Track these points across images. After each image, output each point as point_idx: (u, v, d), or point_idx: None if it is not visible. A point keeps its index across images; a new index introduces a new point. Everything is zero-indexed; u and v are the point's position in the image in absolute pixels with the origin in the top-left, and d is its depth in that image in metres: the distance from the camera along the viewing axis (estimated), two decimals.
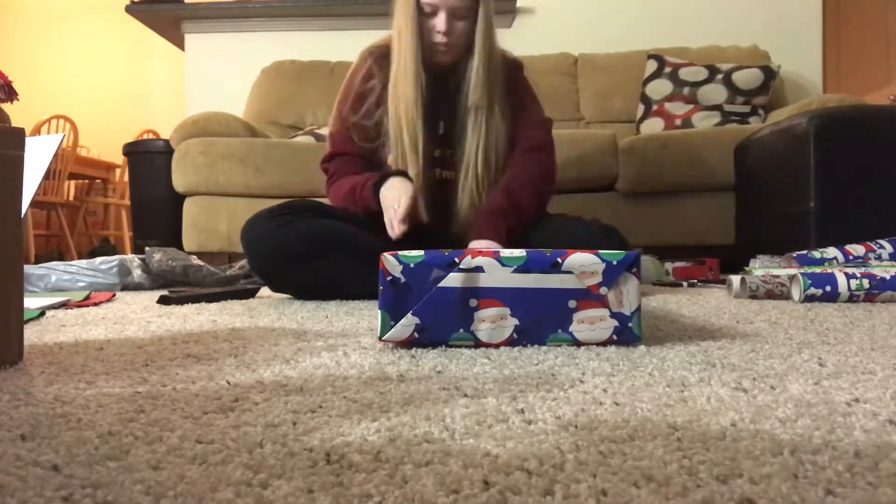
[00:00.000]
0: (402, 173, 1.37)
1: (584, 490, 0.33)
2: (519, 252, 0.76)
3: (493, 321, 0.75)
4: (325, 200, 1.53)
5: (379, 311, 0.75)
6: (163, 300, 1.29)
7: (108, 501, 0.32)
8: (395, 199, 1.29)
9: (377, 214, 1.35)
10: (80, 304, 1.29)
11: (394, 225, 1.28)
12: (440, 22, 1.36)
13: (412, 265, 0.75)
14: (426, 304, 0.75)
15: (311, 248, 1.34)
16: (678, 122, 2.56)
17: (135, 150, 2.71)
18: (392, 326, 0.75)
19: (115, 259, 1.70)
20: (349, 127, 1.47)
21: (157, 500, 0.32)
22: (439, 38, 1.37)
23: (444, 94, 1.44)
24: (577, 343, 0.76)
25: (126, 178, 3.36)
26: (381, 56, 1.46)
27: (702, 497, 0.32)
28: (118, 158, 3.89)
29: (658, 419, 0.46)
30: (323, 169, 1.54)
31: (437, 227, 1.43)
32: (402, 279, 0.75)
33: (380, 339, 0.75)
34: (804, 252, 1.51)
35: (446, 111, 1.45)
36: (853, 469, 0.36)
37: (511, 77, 1.50)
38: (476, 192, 1.43)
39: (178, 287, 1.65)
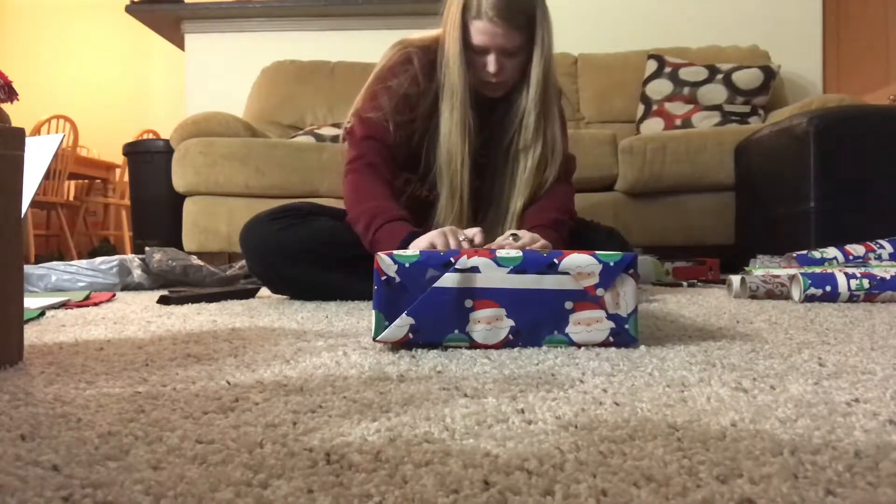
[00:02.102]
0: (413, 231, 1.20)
1: (584, 490, 0.33)
2: (515, 252, 0.76)
3: (488, 322, 0.75)
4: (324, 201, 1.53)
5: (373, 312, 0.75)
6: (163, 300, 1.29)
7: (108, 501, 0.32)
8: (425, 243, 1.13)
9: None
10: (80, 304, 1.29)
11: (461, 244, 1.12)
12: (490, 63, 1.25)
13: (407, 265, 0.75)
14: (421, 304, 0.75)
15: (310, 252, 1.34)
16: (678, 122, 2.56)
17: (135, 150, 2.71)
18: (386, 327, 0.75)
19: (115, 259, 1.70)
20: (388, 121, 1.32)
21: (157, 500, 0.32)
22: (489, 78, 1.27)
23: (489, 121, 1.35)
24: (574, 345, 0.76)
25: (126, 178, 3.36)
26: (427, 63, 1.32)
27: (702, 497, 0.32)
28: (118, 158, 3.89)
29: (658, 419, 0.46)
30: (350, 143, 1.36)
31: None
32: (397, 279, 0.75)
33: (374, 339, 0.75)
34: (804, 252, 1.51)
35: (489, 143, 1.36)
36: (853, 469, 0.36)
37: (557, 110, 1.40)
38: (501, 228, 1.33)
39: (178, 287, 1.65)
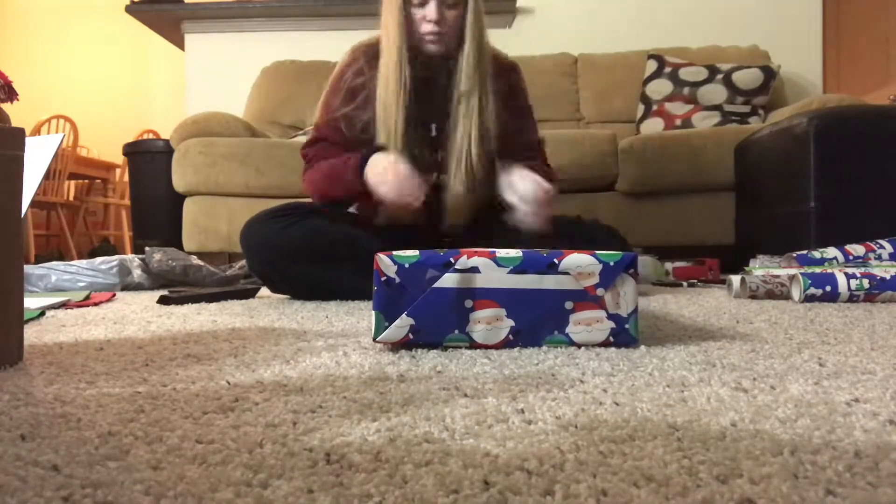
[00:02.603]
0: (382, 148, 1.33)
1: (584, 490, 0.33)
2: (515, 252, 0.76)
3: (488, 322, 0.75)
4: None
5: (373, 312, 0.75)
6: (163, 300, 1.29)
7: (108, 501, 0.32)
8: (384, 174, 1.25)
9: (359, 194, 1.32)
10: (80, 304, 1.29)
11: (411, 198, 1.23)
12: (431, 11, 1.31)
13: (407, 265, 0.75)
14: (421, 304, 0.74)
15: (311, 250, 1.34)
16: (678, 122, 2.56)
17: (135, 150, 2.71)
18: (386, 327, 0.75)
19: (115, 259, 1.70)
20: (338, 118, 1.41)
21: (157, 500, 0.32)
22: (430, 28, 1.33)
23: (435, 91, 1.40)
24: (574, 345, 0.76)
25: (126, 178, 3.36)
26: (372, 56, 1.41)
27: (702, 497, 0.32)
28: (118, 158, 3.89)
29: (658, 419, 0.46)
30: (302, 154, 1.48)
31: (429, 228, 1.42)
32: (397, 279, 0.75)
33: (374, 340, 0.75)
34: (804, 252, 1.51)
35: (438, 111, 1.41)
36: (853, 469, 0.36)
37: (507, 78, 1.46)
38: (468, 180, 1.37)
39: (178, 287, 1.65)
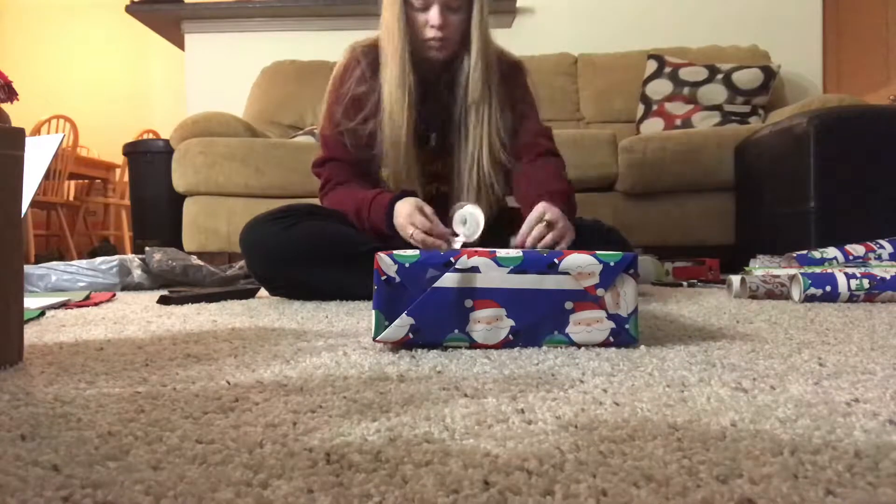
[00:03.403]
0: (406, 193, 1.30)
1: (584, 490, 0.33)
2: (515, 252, 0.76)
3: (488, 322, 0.75)
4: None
5: (373, 311, 0.75)
6: (163, 300, 1.29)
7: (108, 501, 0.32)
8: (409, 218, 1.22)
9: (386, 236, 1.30)
10: (80, 304, 1.29)
11: (435, 244, 1.18)
12: (434, 16, 1.29)
13: (407, 265, 0.75)
14: (421, 304, 0.74)
15: (312, 251, 1.33)
16: (678, 122, 2.56)
17: (135, 150, 2.71)
18: (386, 326, 0.74)
19: (115, 259, 1.70)
20: (342, 132, 1.39)
21: (157, 500, 0.32)
22: (432, 34, 1.30)
23: (435, 99, 1.39)
24: (574, 345, 0.76)
25: (126, 178, 3.36)
26: (373, 59, 1.39)
27: (702, 497, 0.32)
28: (118, 158, 3.89)
29: (658, 419, 0.46)
30: (315, 173, 1.48)
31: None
32: (397, 279, 0.75)
33: (374, 339, 0.75)
34: (804, 252, 1.51)
35: (437, 120, 1.40)
36: (853, 469, 0.36)
37: (512, 77, 1.45)
38: (482, 192, 1.37)
39: (178, 287, 1.65)
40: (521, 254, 0.76)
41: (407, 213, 1.22)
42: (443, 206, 1.34)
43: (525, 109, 1.46)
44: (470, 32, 1.33)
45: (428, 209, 1.22)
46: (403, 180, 1.39)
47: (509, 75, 1.44)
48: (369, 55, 1.40)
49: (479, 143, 1.37)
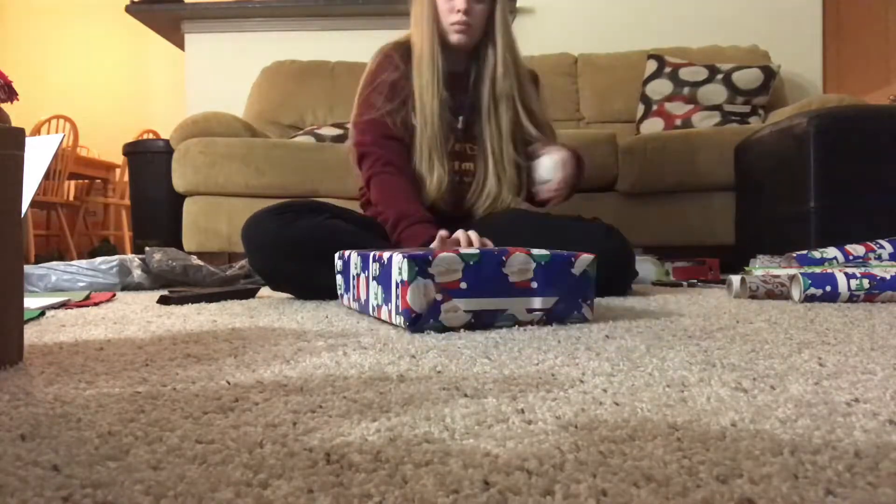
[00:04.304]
0: (426, 222, 1.34)
1: (584, 490, 0.33)
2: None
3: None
4: (326, 201, 1.53)
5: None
6: (163, 300, 1.29)
7: (108, 501, 0.32)
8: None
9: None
10: (80, 304, 1.29)
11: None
12: (459, 1, 1.38)
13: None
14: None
15: (315, 247, 1.33)
16: (678, 122, 2.56)
17: (135, 150, 2.71)
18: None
19: (115, 259, 1.70)
20: (384, 115, 1.43)
21: (157, 500, 0.32)
22: (457, 17, 1.39)
23: (463, 84, 1.48)
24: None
25: (126, 178, 3.36)
26: (404, 52, 1.46)
27: (702, 497, 0.32)
28: (118, 158, 3.89)
29: (658, 419, 0.46)
30: (360, 154, 1.45)
31: (455, 219, 1.43)
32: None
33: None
34: (804, 252, 1.51)
35: (466, 103, 1.48)
36: (853, 469, 0.36)
37: (532, 84, 1.56)
38: (499, 182, 1.47)
39: (178, 287, 1.65)
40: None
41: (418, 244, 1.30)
42: (461, 185, 1.50)
43: (548, 122, 1.58)
44: (493, 26, 1.43)
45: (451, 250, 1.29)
46: (433, 163, 1.44)
47: (532, 83, 1.56)
48: (399, 49, 1.48)
49: (500, 131, 1.46)
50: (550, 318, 0.95)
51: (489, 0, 1.42)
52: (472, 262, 0.89)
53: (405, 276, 0.87)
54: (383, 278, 0.95)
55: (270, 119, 2.80)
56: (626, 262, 1.41)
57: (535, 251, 0.94)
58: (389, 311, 0.93)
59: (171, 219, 2.43)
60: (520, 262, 0.92)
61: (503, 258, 0.91)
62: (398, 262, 0.88)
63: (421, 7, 1.43)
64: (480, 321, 0.90)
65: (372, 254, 1.00)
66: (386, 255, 0.94)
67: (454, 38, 1.42)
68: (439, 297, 0.88)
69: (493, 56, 1.44)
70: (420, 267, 0.87)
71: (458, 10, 1.38)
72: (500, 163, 1.46)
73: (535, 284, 0.93)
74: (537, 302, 0.93)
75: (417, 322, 0.87)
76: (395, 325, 0.94)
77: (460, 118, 1.48)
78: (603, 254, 1.08)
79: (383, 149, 1.43)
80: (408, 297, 0.87)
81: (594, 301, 0.98)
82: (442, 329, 0.89)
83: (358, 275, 1.08)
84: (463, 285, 0.89)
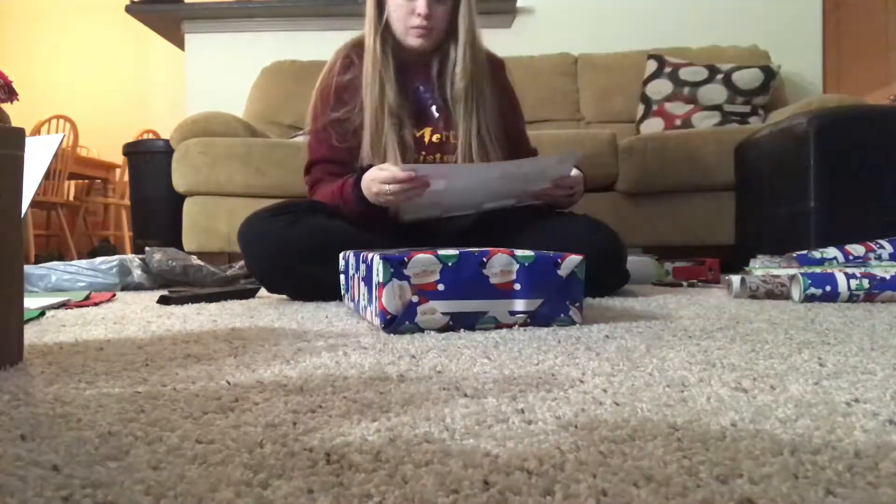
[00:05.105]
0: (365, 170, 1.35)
1: (584, 490, 0.33)
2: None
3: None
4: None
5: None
6: (163, 300, 1.29)
7: (108, 501, 0.32)
8: (376, 187, 1.26)
9: (370, 213, 1.33)
10: (80, 304, 1.29)
11: (395, 187, 1.22)
12: (420, 5, 1.34)
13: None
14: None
15: (315, 247, 1.32)
16: (678, 122, 2.56)
17: (135, 150, 2.71)
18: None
19: (115, 259, 1.70)
20: (326, 126, 1.43)
21: (157, 500, 0.32)
22: (418, 22, 1.35)
23: (429, 78, 1.45)
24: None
25: (126, 178, 3.36)
26: (361, 49, 1.43)
27: (702, 497, 0.32)
28: (118, 158, 3.89)
29: (658, 419, 0.46)
30: (305, 182, 1.51)
31: (439, 220, 1.43)
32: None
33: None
34: (804, 252, 1.51)
35: (438, 96, 1.46)
36: (853, 469, 0.36)
37: (498, 75, 1.51)
38: None
39: (178, 287, 1.65)
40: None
41: (370, 179, 1.27)
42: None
43: (515, 113, 1.56)
44: (457, 24, 1.39)
45: (384, 165, 1.27)
46: (381, 154, 1.40)
47: (494, 71, 1.51)
48: (356, 46, 1.46)
49: (468, 131, 1.42)
50: (534, 320, 0.92)
51: (452, 0, 1.38)
52: (450, 263, 0.87)
53: (381, 278, 0.86)
54: (368, 279, 0.94)
55: (270, 119, 2.80)
56: (614, 259, 1.37)
57: (518, 252, 0.91)
58: (371, 312, 0.93)
59: (171, 219, 2.43)
60: (501, 264, 0.89)
61: (483, 259, 0.89)
62: (376, 264, 0.87)
63: (369, 6, 1.41)
64: (459, 323, 0.88)
65: (361, 255, 1.00)
66: (370, 255, 0.93)
67: (414, 41, 1.38)
68: (415, 298, 0.86)
69: (452, 54, 1.41)
70: (395, 268, 0.85)
71: (419, 14, 1.34)
72: (475, 159, 1.41)
73: (517, 286, 0.90)
74: (520, 304, 0.90)
75: (392, 324, 0.86)
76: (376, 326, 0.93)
77: (433, 108, 1.46)
78: (589, 249, 1.06)
79: (317, 173, 1.47)
80: (382, 299, 0.85)
81: (583, 303, 0.95)
82: (417, 330, 0.87)
83: (353, 275, 1.08)
84: (440, 287, 0.87)
